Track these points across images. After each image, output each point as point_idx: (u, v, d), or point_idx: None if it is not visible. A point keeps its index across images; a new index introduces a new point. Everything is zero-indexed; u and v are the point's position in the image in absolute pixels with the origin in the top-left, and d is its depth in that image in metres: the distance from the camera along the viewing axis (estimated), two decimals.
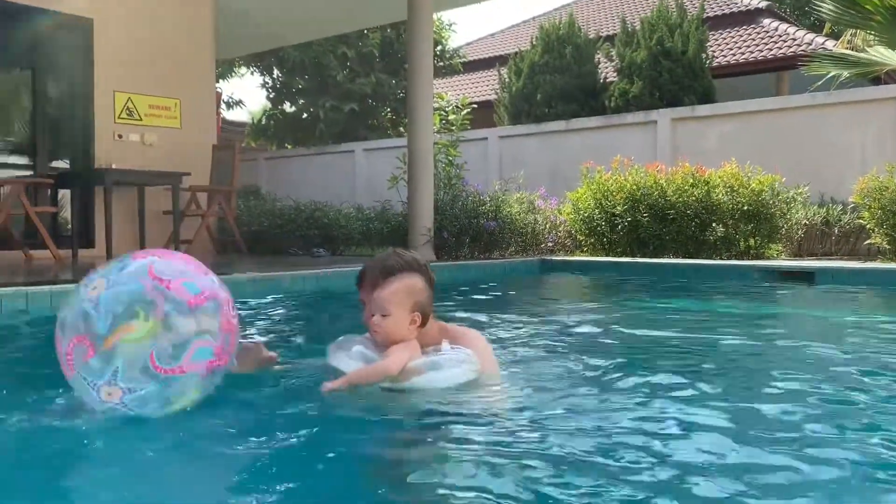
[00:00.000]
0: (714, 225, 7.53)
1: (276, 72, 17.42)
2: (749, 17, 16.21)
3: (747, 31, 15.74)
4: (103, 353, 1.74)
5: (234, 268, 6.25)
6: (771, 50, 14.63)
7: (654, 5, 12.70)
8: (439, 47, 17.29)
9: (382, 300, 2.24)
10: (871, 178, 7.06)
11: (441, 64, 17.13)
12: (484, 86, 18.30)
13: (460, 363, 2.23)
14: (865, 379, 2.46)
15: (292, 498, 1.47)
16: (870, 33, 8.06)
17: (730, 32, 15.89)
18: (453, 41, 19.53)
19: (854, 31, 9.13)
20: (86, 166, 8.05)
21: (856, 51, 8.48)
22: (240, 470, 1.63)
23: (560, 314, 4.55)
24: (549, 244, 8.80)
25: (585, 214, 8.19)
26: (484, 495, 1.44)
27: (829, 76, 7.76)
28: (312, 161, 13.99)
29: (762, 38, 15.22)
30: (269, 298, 5.07)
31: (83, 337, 1.75)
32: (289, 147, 17.23)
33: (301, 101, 17.40)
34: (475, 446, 1.75)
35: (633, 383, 2.35)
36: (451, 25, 18.47)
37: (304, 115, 17.23)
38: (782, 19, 16.49)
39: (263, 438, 1.82)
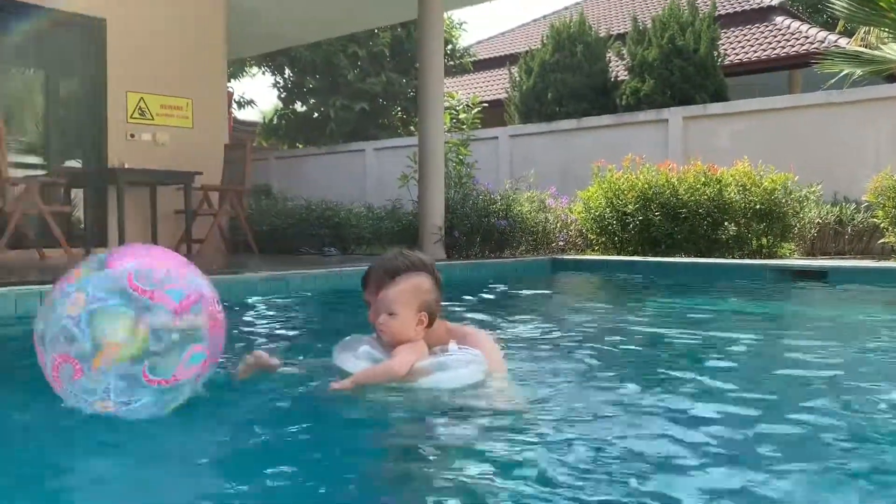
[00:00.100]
0: (726, 224, 7.50)
1: (287, 71, 17.46)
2: (761, 14, 16.12)
3: (759, 29, 15.64)
4: (93, 373, 1.69)
5: (246, 267, 6.27)
6: (783, 48, 14.54)
7: (665, 3, 12.63)
8: (450, 46, 17.29)
9: (389, 300, 2.23)
10: (885, 177, 7.01)
11: (451, 63, 17.12)
12: (494, 85, 18.28)
13: (467, 364, 2.21)
14: (880, 381, 2.44)
15: (297, 498, 1.46)
16: (884, 30, 7.99)
17: (742, 30, 15.81)
18: (464, 40, 19.53)
19: (868, 28, 9.05)
20: (98, 166, 8.10)
21: (869, 48, 8.40)
22: (244, 470, 1.63)
23: (571, 314, 4.54)
24: (560, 243, 8.78)
25: (596, 213, 8.17)
26: (490, 496, 1.43)
27: (842, 74, 7.70)
28: (323, 160, 14.01)
29: (774, 36, 15.13)
30: (281, 297, 5.08)
31: (67, 356, 1.70)
32: (300, 146, 17.26)
33: (312, 101, 17.43)
34: (481, 447, 1.74)
35: (645, 384, 2.32)
36: (461, 24, 18.46)
37: (315, 115, 17.26)
38: (795, 17, 16.38)
39: (269, 438, 1.82)
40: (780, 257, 7.44)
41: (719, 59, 11.90)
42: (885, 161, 7.87)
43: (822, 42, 13.75)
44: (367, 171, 13.18)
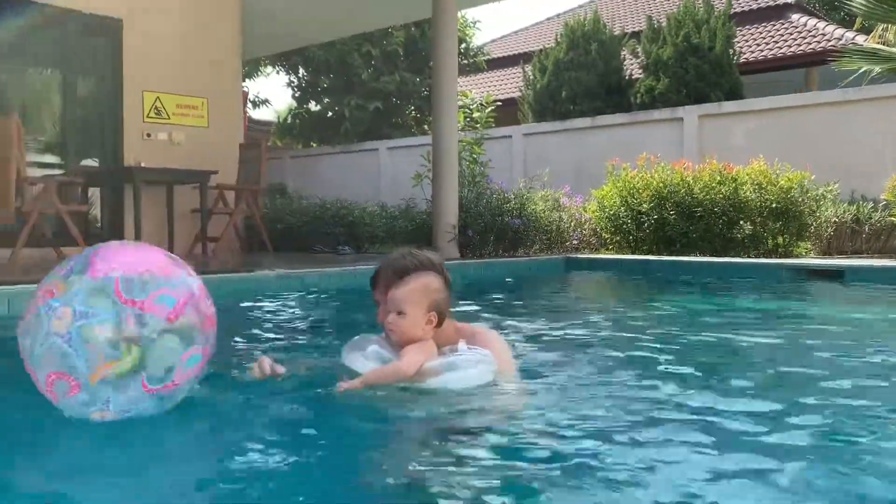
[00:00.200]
0: (742, 223, 7.45)
1: (301, 71, 17.53)
2: (777, 12, 15.99)
3: (775, 27, 15.53)
4: (90, 388, 1.66)
5: (261, 265, 6.30)
6: (800, 45, 14.42)
7: (680, 1, 12.57)
8: (463, 45, 17.28)
9: (398, 299, 2.21)
10: None
11: (465, 62, 17.13)
12: (508, 83, 18.26)
13: (476, 364, 2.19)
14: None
15: (303, 498, 1.45)
16: None
17: (758, 28, 15.69)
18: (477, 39, 19.52)
19: (886, 25, 8.96)
20: (115, 165, 8.16)
21: (887, 46, 8.32)
22: (250, 470, 1.62)
23: (584, 313, 4.53)
24: (574, 242, 8.76)
25: (611, 212, 8.14)
26: (497, 497, 1.43)
27: (860, 72, 7.63)
28: (337, 159, 14.06)
29: (791, 34, 15.01)
30: (295, 296, 5.11)
31: (62, 374, 1.65)
32: (314, 146, 17.33)
33: (326, 100, 17.49)
34: (490, 448, 1.73)
35: (659, 385, 2.29)
36: (475, 23, 18.45)
37: (330, 114, 17.31)
38: (811, 14, 16.24)
39: (275, 438, 1.82)
40: (797, 256, 7.39)
41: (735, 57, 11.83)
42: None
43: (839, 39, 13.63)
44: (381, 171, 13.21)
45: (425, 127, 16.44)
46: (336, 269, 5.85)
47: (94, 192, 8.31)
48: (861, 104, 8.81)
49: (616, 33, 13.60)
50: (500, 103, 10.20)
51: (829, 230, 7.92)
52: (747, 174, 7.56)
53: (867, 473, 1.55)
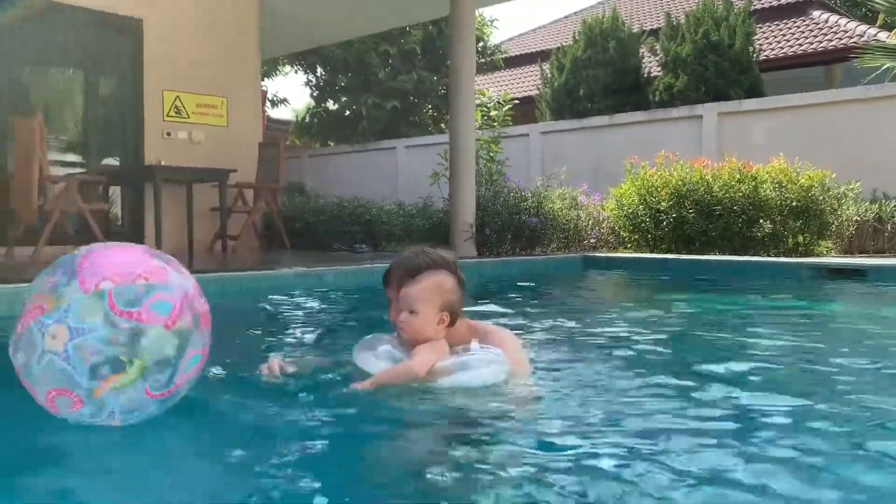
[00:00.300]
0: (761, 221, 7.39)
1: (319, 70, 17.58)
2: (798, 8, 15.83)
3: (796, 24, 15.37)
4: (94, 402, 1.65)
5: (279, 263, 6.34)
6: (821, 42, 14.27)
7: None
8: (481, 43, 17.26)
9: (411, 297, 2.19)
10: None
11: (482, 60, 17.10)
12: (525, 81, 18.22)
13: (489, 364, 2.17)
14: None
15: (312, 498, 1.45)
16: None
17: (778, 25, 15.54)
18: (495, 37, 19.47)
19: None
20: (136, 164, 8.25)
21: None
22: (259, 470, 1.61)
23: (601, 312, 4.51)
24: (592, 241, 8.73)
25: (629, 210, 8.10)
26: (507, 498, 1.42)
27: (882, 69, 7.54)
28: (355, 158, 14.10)
29: (812, 31, 14.85)
30: (313, 294, 5.13)
31: (63, 390, 1.63)
32: (332, 144, 17.38)
33: (344, 99, 17.53)
34: (501, 449, 1.71)
35: (676, 386, 2.26)
36: (492, 21, 18.42)
37: (347, 113, 17.35)
38: (833, 11, 16.06)
39: (285, 438, 1.81)
40: (817, 255, 7.31)
41: (755, 55, 11.73)
42: None
43: (862, 36, 13.46)
44: (399, 169, 13.23)
45: (442, 125, 16.44)
46: (353, 267, 5.87)
47: (115, 191, 8.40)
48: (883, 101, 8.70)
49: (634, 31, 13.53)
50: (517, 101, 10.19)
51: (850, 229, 7.84)
52: (767, 172, 7.50)
53: (889, 472, 1.54)
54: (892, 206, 7.89)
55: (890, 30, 12.05)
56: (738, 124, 9.85)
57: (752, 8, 12.41)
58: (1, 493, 1.47)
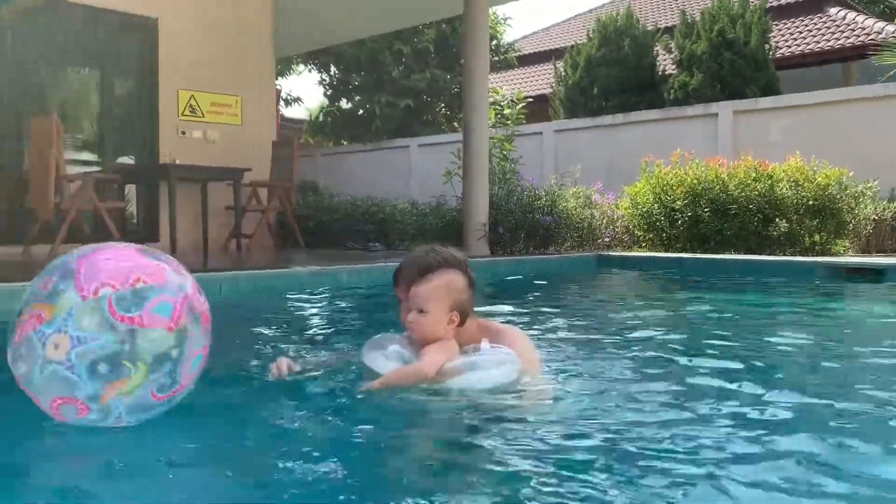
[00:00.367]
0: (777, 220, 7.33)
1: (332, 69, 17.61)
2: (815, 5, 15.69)
3: (813, 21, 15.24)
4: (101, 408, 1.64)
5: (294, 262, 6.36)
6: (838, 40, 14.13)
7: None
8: (494, 41, 17.22)
9: (421, 297, 2.17)
10: None
11: (496, 58, 17.06)
12: (539, 80, 18.18)
13: (499, 364, 2.14)
14: None
15: (319, 498, 1.44)
16: None
17: (794, 22, 15.42)
18: (508, 35, 19.44)
19: None
20: (151, 162, 8.29)
21: None
22: (267, 469, 1.61)
23: (615, 311, 4.48)
24: (606, 239, 8.69)
25: (644, 209, 8.06)
26: (517, 499, 1.41)
27: None
28: (368, 157, 14.11)
29: (829, 28, 14.72)
30: (327, 292, 5.14)
31: (68, 399, 1.62)
32: (345, 143, 17.42)
33: (357, 98, 17.56)
34: (511, 451, 1.69)
35: (691, 386, 2.23)
36: (506, 20, 18.37)
37: (361, 112, 17.38)
38: (850, 7, 15.90)
39: (293, 438, 1.80)
40: (834, 255, 7.25)
41: (771, 52, 11.64)
42: None
43: (879, 33, 13.33)
44: (412, 168, 13.23)
45: (455, 124, 16.43)
46: (367, 265, 5.88)
47: (131, 189, 8.45)
48: None
49: (649, 29, 13.47)
50: (531, 100, 10.16)
51: (868, 228, 7.76)
52: (784, 171, 7.44)
53: None
54: None
55: None
56: (754, 122, 9.78)
57: (768, 5, 12.32)
58: (1, 493, 1.46)
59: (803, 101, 9.50)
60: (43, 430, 1.78)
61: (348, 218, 8.87)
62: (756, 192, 7.36)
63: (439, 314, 2.17)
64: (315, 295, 5.02)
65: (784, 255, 7.17)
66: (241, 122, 9.04)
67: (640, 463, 1.57)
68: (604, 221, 8.66)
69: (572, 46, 13.80)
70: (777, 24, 14.15)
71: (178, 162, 7.75)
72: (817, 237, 7.34)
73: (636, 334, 3.40)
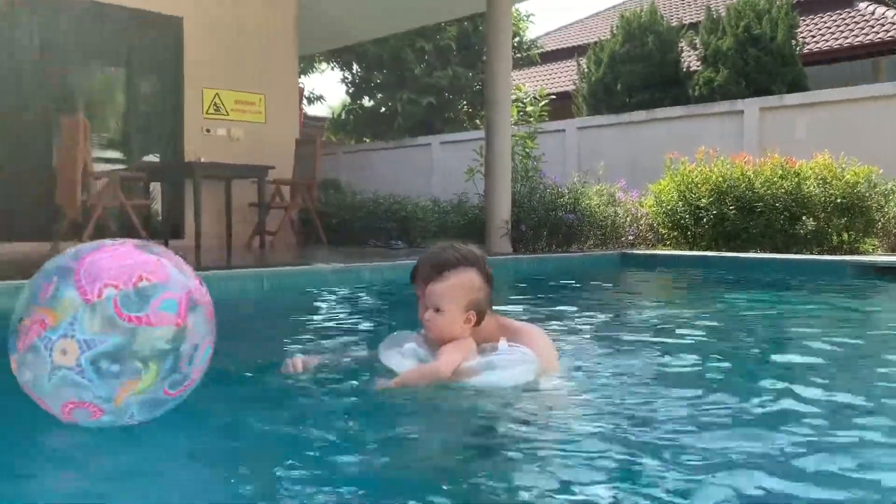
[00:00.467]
0: (805, 218, 7.22)
1: (355, 67, 17.66)
2: (843, 0, 15.45)
3: (841, 16, 15.00)
4: (114, 409, 1.63)
5: (316, 259, 6.38)
6: (867, 35, 13.90)
7: None
8: (517, 38, 17.17)
9: (436, 295, 2.15)
10: None
11: (518, 55, 17.01)
12: (562, 76, 18.08)
13: (517, 364, 2.12)
14: None
15: (333, 497, 1.43)
16: None
17: (822, 17, 15.19)
18: (531, 32, 19.36)
19: None
20: (176, 160, 8.37)
21: None
22: (279, 466, 1.60)
23: (638, 310, 4.43)
24: (630, 237, 8.62)
25: (668, 207, 7.99)
26: (529, 501, 1.40)
27: None
28: (390, 155, 14.13)
29: (857, 23, 14.48)
30: (349, 289, 5.15)
31: (80, 402, 1.60)
32: (367, 141, 17.46)
33: (379, 96, 17.59)
34: (526, 452, 1.66)
35: (714, 388, 2.18)
36: (528, 16, 18.30)
37: (383, 109, 17.41)
38: (879, 2, 15.61)
39: (308, 434, 1.80)
40: (863, 253, 7.13)
41: (798, 48, 11.48)
42: None
43: None
44: (434, 165, 13.23)
45: (477, 121, 16.40)
46: (389, 263, 5.89)
47: (156, 187, 8.54)
48: None
49: (673, 25, 13.34)
50: (553, 97, 10.11)
51: None
52: (811, 168, 7.33)
53: None
54: None
55: None
56: (781, 119, 9.64)
57: (795, 0, 12.14)
58: (1, 493, 1.45)
59: (831, 97, 9.35)
60: (42, 431, 1.76)
61: (370, 216, 8.89)
62: (783, 190, 7.26)
63: (455, 314, 2.15)
64: (336, 292, 5.04)
65: (811, 253, 7.06)
66: (265, 119, 9.09)
67: (659, 465, 1.54)
68: (627, 219, 8.59)
69: (595, 43, 13.71)
70: (804, 20, 13.94)
71: (202, 160, 7.81)
72: (845, 235, 7.22)
73: (660, 334, 3.36)
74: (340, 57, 17.53)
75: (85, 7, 7.92)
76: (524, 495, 1.44)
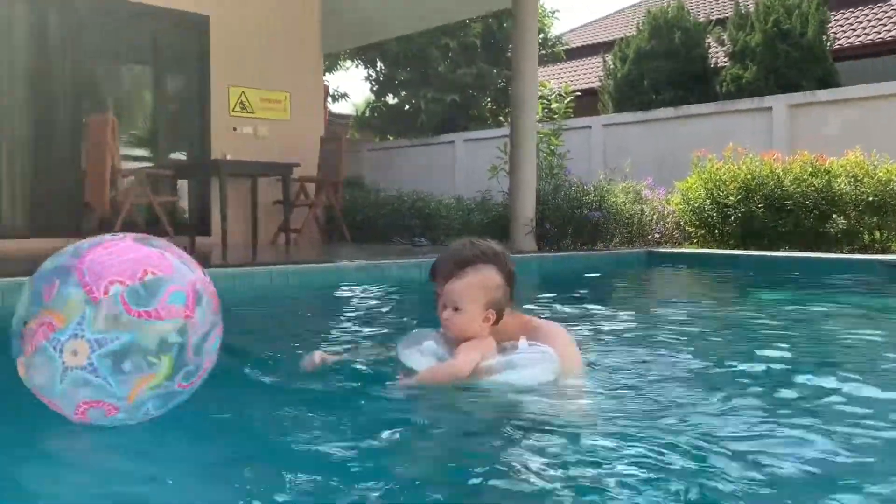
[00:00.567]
0: (835, 217, 7.11)
1: (379, 64, 17.70)
2: None
3: (873, 11, 14.72)
4: (128, 406, 1.62)
5: (341, 256, 6.40)
6: None
7: None
8: (542, 35, 17.09)
9: (454, 294, 2.12)
10: None
11: (543, 52, 16.93)
12: (587, 73, 17.96)
13: (537, 363, 2.08)
14: None
15: (351, 495, 1.43)
16: None
17: (854, 12, 14.92)
18: (556, 28, 19.28)
19: None
20: (203, 158, 8.44)
21: None
22: (296, 463, 1.60)
23: (664, 309, 4.38)
24: (656, 235, 8.54)
25: (696, 205, 7.91)
26: (549, 502, 1.38)
27: None
28: (414, 152, 14.14)
29: (890, 18, 14.20)
30: (372, 286, 5.15)
31: (94, 402, 1.59)
32: (391, 139, 17.50)
33: (403, 93, 17.62)
34: (544, 451, 1.63)
35: (741, 388, 2.14)
36: (553, 13, 18.22)
37: (407, 107, 17.44)
38: None
39: (325, 433, 1.79)
40: (895, 252, 7.00)
41: (828, 44, 11.29)
42: None
43: None
44: (457, 163, 13.21)
45: (501, 119, 16.36)
46: (412, 260, 5.88)
47: (183, 184, 8.62)
48: None
49: (700, 20, 13.20)
50: (578, 94, 10.05)
51: None
52: (842, 166, 7.21)
53: None
54: None
55: None
56: (810, 116, 9.50)
57: None
58: (1, 493, 1.44)
59: (862, 93, 9.19)
60: (42, 431, 1.76)
61: (394, 213, 8.90)
62: (812, 188, 7.15)
63: (474, 312, 2.11)
64: (360, 289, 5.04)
65: (842, 252, 6.95)
66: (290, 117, 9.13)
67: (682, 465, 1.50)
68: (654, 217, 8.51)
69: (621, 39, 13.59)
70: (835, 15, 13.71)
71: (228, 157, 7.86)
72: (877, 234, 7.10)
73: (686, 333, 3.31)
74: (365, 54, 17.58)
75: (113, 6, 8.01)
76: (538, 496, 1.42)
